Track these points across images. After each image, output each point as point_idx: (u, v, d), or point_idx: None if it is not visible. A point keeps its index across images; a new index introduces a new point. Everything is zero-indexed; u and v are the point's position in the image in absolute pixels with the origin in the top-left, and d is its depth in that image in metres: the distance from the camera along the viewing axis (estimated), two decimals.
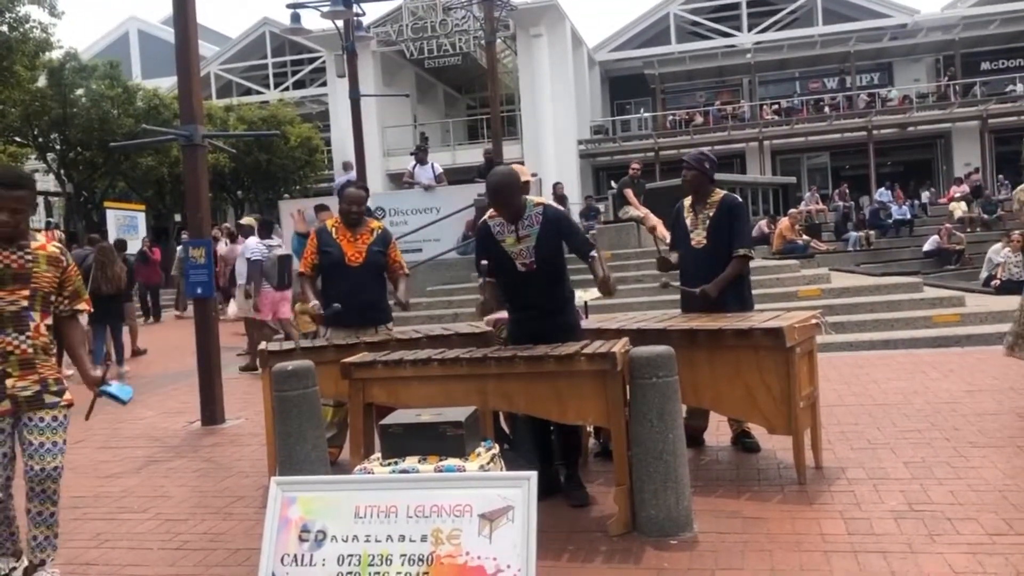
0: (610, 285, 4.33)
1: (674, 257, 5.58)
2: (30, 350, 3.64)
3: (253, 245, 9.99)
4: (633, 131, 32.65)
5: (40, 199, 26.83)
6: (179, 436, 6.92)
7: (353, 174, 15.19)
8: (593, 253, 4.42)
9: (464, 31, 27.88)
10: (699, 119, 31.40)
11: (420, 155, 15.10)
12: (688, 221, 5.39)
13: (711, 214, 5.26)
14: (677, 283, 5.65)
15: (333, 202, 12.90)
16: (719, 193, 5.35)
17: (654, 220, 12.93)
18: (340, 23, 14.49)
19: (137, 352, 12.28)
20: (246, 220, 12.45)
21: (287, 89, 34.04)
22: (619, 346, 3.95)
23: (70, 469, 5.95)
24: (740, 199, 5.43)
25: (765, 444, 5.20)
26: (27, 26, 12.34)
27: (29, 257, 3.65)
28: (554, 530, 3.99)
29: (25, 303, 3.61)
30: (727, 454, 5.29)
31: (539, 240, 4.41)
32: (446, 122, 33.92)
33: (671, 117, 32.21)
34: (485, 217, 4.65)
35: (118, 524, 4.69)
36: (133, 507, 5.00)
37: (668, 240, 12.27)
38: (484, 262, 4.55)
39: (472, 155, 27.98)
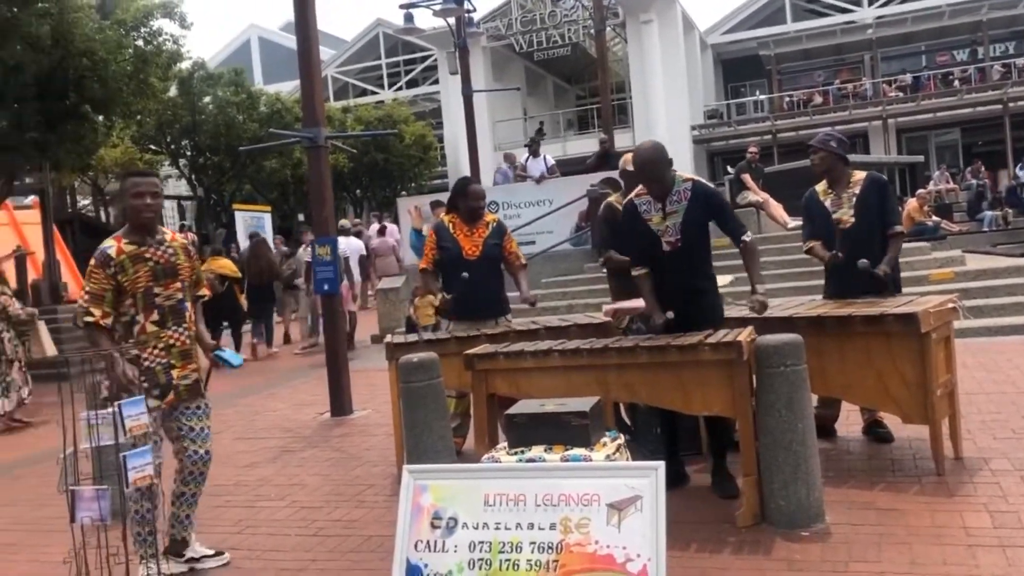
0: (759, 303, 4.19)
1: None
2: (188, 341, 3.90)
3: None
4: (748, 114, 31.81)
5: (173, 203, 28.35)
6: (310, 427, 7.20)
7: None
8: (745, 237, 4.28)
9: (573, 21, 27.80)
10: (818, 99, 30.31)
11: (533, 148, 15.16)
12: (828, 203, 5.11)
13: (856, 192, 5.02)
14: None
15: (448, 197, 13.14)
16: (860, 173, 5.13)
17: (774, 204, 12.61)
18: (452, 20, 14.69)
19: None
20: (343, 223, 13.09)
21: (400, 88, 34.75)
22: (744, 335, 3.88)
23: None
24: (885, 177, 5.21)
25: (899, 434, 5.01)
26: (160, 39, 13.03)
27: (171, 251, 3.90)
28: (680, 520, 3.95)
29: (180, 295, 3.87)
30: (858, 444, 5.12)
31: (686, 216, 4.27)
32: (556, 114, 33.90)
33: (788, 98, 31.23)
34: (632, 195, 4.53)
35: (257, 511, 4.93)
36: (270, 495, 5.24)
37: (790, 225, 11.93)
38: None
39: (582, 146, 27.91)
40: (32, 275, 16.11)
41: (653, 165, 4.26)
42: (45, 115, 11.91)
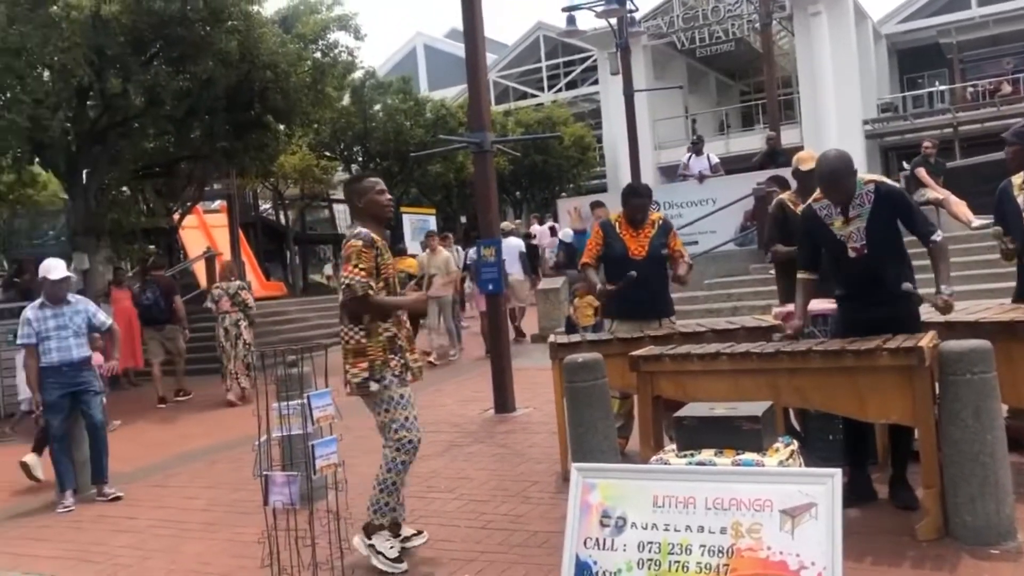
0: (945, 304, 3.99)
1: None
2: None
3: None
4: (926, 107, 29.98)
5: (346, 207, 29.72)
6: (475, 423, 7.42)
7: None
8: (936, 237, 4.06)
9: (737, 16, 27.12)
10: (1006, 88, 28.15)
11: (697, 146, 14.94)
12: (1022, 199, 4.79)
13: None
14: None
15: (607, 198, 13.18)
16: None
17: (956, 202, 11.85)
18: (614, 21, 14.69)
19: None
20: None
21: (560, 90, 34.99)
22: (926, 340, 3.71)
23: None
24: None
25: None
26: (336, 51, 13.75)
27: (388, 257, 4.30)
28: (855, 531, 3.82)
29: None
30: None
31: (871, 221, 4.09)
32: (719, 111, 33.19)
33: (971, 88, 29.20)
34: (811, 200, 4.40)
35: (428, 502, 5.13)
36: (440, 487, 5.45)
37: (974, 224, 11.20)
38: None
39: (747, 143, 27.17)
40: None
41: (838, 175, 4.07)
42: (233, 125, 12.84)
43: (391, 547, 4.06)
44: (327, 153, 24.46)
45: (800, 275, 4.38)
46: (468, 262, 13.83)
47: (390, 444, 4.12)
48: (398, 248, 15.78)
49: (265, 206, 27.08)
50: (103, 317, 6.46)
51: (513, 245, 13.75)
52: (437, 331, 12.15)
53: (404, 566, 4.03)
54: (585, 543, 3.02)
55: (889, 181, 4.29)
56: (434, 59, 39.23)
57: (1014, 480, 3.78)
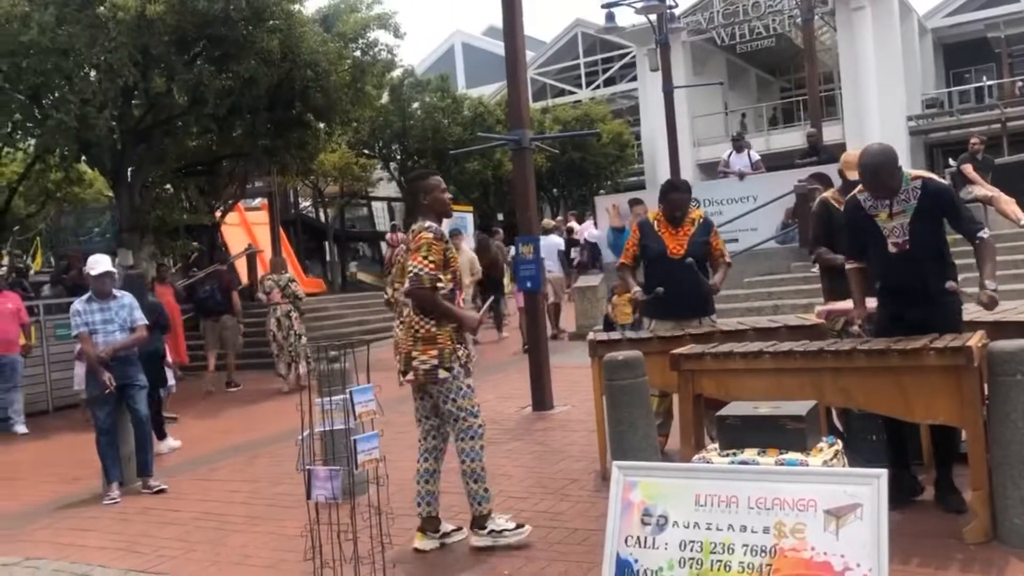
0: (990, 300, 3.91)
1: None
2: None
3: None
4: (973, 102, 29.39)
5: (384, 204, 29.89)
6: (513, 419, 7.42)
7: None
8: (982, 234, 3.99)
9: (778, 11, 26.82)
10: None
11: (738, 143, 14.79)
12: None
13: None
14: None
15: (645, 195, 13.12)
16: None
17: (1005, 199, 11.60)
18: (653, 17, 14.61)
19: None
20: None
21: (598, 87, 34.88)
22: (975, 339, 3.65)
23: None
24: None
25: None
26: (376, 49, 13.85)
27: None
28: (900, 532, 3.76)
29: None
30: None
31: (915, 217, 4.03)
32: (759, 107, 32.84)
33: (1020, 83, 28.56)
34: (855, 191, 4.34)
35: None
36: None
37: (1023, 222, 10.98)
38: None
39: (788, 139, 26.85)
40: (260, 271, 17.58)
41: (882, 169, 4.00)
42: (274, 124, 12.99)
43: (506, 520, 4.30)
44: (366, 151, 24.61)
45: (849, 266, 4.35)
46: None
47: (463, 435, 4.26)
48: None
49: (305, 204, 27.32)
50: (138, 315, 6.51)
51: (553, 243, 13.89)
52: None
53: (527, 527, 4.30)
54: (626, 541, 3.01)
55: (937, 178, 4.22)
56: (472, 57, 39.32)
57: None
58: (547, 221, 14.90)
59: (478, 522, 4.29)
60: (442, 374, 4.19)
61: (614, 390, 4.54)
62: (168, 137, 12.75)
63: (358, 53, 13.69)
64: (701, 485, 2.96)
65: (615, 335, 5.64)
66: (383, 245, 23.48)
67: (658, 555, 2.93)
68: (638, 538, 2.99)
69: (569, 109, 29.33)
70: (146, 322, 6.64)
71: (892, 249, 4.10)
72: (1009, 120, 26.57)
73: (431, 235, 4.22)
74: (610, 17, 14.54)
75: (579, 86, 35.40)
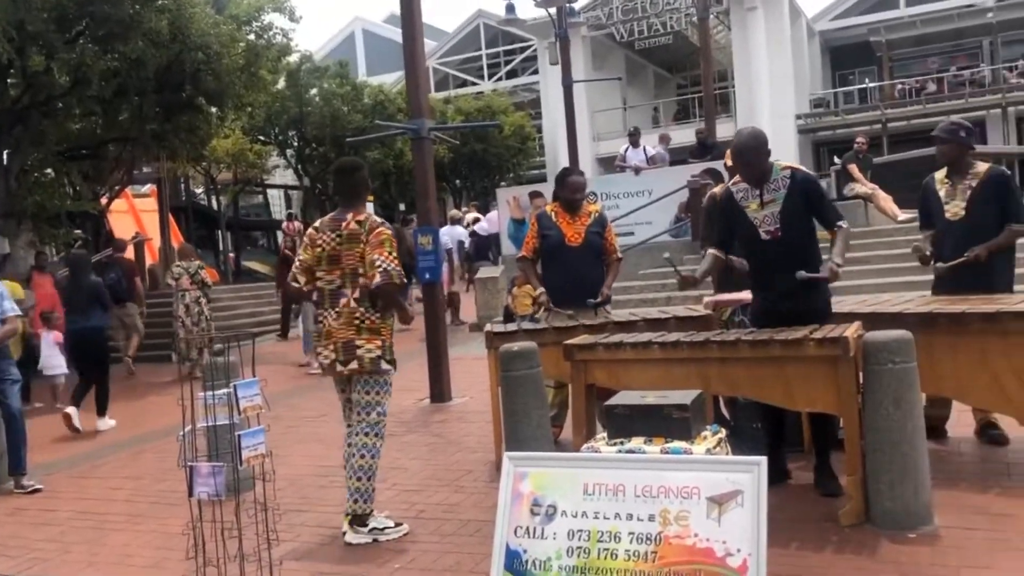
0: (832, 273, 4.08)
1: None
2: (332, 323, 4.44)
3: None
4: (857, 103, 30.72)
5: (280, 192, 29.27)
6: (411, 412, 7.37)
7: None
8: (841, 223, 4.18)
9: (675, 9, 27.38)
10: (932, 86, 29.02)
11: (633, 138, 15.05)
12: (943, 193, 4.97)
13: (973, 185, 4.86)
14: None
15: (546, 188, 13.22)
16: (983, 165, 4.94)
17: (883, 196, 12.18)
18: (553, 10, 14.69)
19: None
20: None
21: (500, 79, 34.93)
22: (851, 330, 3.79)
23: (317, 440, 6.54)
24: (1009, 172, 5.00)
25: (1015, 436, 4.79)
26: (270, 33, 13.50)
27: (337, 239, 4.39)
28: (781, 518, 3.89)
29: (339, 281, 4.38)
30: (971, 446, 4.93)
31: (784, 206, 4.18)
32: (656, 103, 33.50)
33: (900, 86, 30.01)
34: (728, 183, 4.48)
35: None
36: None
37: (900, 218, 11.52)
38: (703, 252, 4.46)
39: (684, 136, 27.46)
40: (149, 260, 16.96)
41: (749, 151, 4.20)
42: (163, 107, 12.52)
43: (385, 518, 4.31)
44: (261, 137, 24.01)
45: (709, 250, 4.51)
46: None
47: (371, 430, 4.28)
48: None
49: (197, 191, 26.47)
50: (7, 305, 6.10)
51: (457, 233, 14.07)
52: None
53: (405, 525, 4.32)
54: (515, 532, 3.02)
55: (804, 169, 4.41)
56: (373, 44, 38.81)
57: (932, 467, 3.89)
58: (455, 212, 15.04)
59: (359, 519, 4.25)
60: (384, 365, 4.27)
61: (509, 381, 4.55)
62: (47, 118, 12.11)
63: (252, 36, 13.32)
64: (589, 474, 2.99)
65: (512, 326, 5.65)
66: (279, 234, 22.97)
67: (546, 545, 2.95)
68: (527, 528, 3.00)
69: (471, 100, 29.27)
70: (17, 312, 6.26)
71: (764, 236, 4.25)
72: (889, 121, 27.90)
73: (390, 231, 4.32)
74: (510, 9, 14.56)
75: (481, 77, 35.39)
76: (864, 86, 31.37)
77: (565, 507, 2.97)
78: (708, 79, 17.78)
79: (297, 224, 19.84)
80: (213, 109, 13.54)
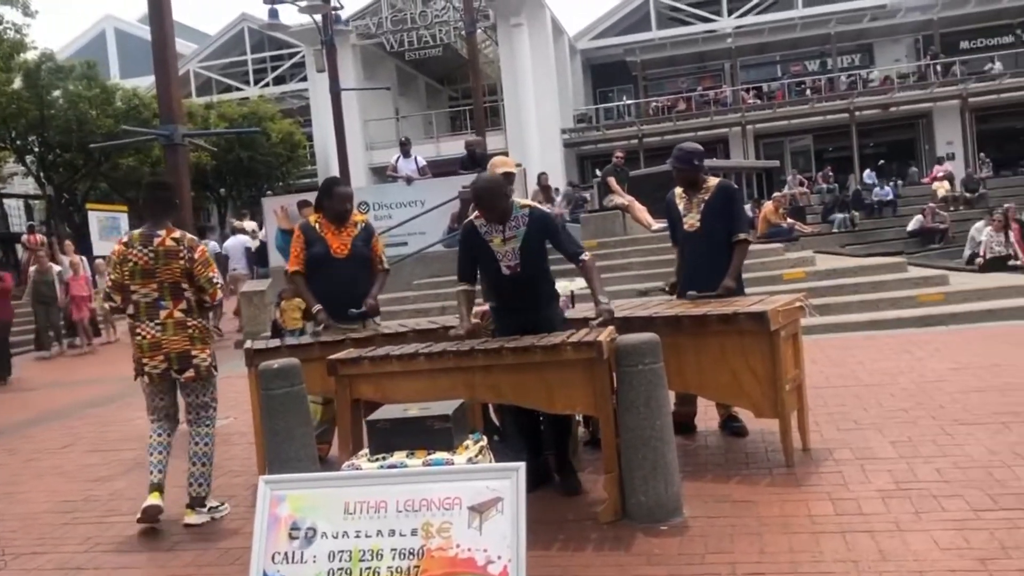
0: (606, 312, 4.27)
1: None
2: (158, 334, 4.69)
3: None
4: (616, 119, 32.64)
5: (20, 202, 26.66)
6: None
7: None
8: (584, 256, 4.40)
9: (444, 22, 27.80)
10: (682, 105, 31.41)
11: (404, 148, 15.03)
12: (681, 206, 5.39)
13: (705, 198, 5.28)
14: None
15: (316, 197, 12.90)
16: (713, 180, 5.39)
17: (639, 207, 12.96)
18: (318, 17, 14.40)
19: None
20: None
21: (267, 85, 33.86)
22: (605, 334, 3.96)
23: (59, 473, 5.97)
24: (735, 185, 5.48)
25: (753, 428, 5.23)
26: (0, 27, 12.25)
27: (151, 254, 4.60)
28: (545, 520, 4.00)
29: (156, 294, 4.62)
30: (715, 439, 5.32)
31: (524, 242, 4.39)
32: (428, 114, 33.81)
33: (654, 104, 32.22)
34: (472, 216, 4.60)
35: (107, 527, 4.68)
36: (123, 510, 4.98)
37: (654, 227, 12.30)
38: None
39: (456, 147, 27.90)
40: None
41: (490, 195, 4.37)
42: None
43: (216, 500, 4.78)
44: None
45: (459, 287, 4.62)
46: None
47: (210, 422, 4.79)
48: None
49: None
50: None
51: (240, 242, 13.72)
52: None
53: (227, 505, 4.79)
54: (273, 558, 2.88)
55: (541, 207, 4.69)
56: (126, 44, 36.36)
57: (681, 461, 4.15)
58: (237, 222, 14.69)
59: (198, 501, 4.64)
60: (214, 371, 4.75)
61: (270, 400, 4.35)
62: None
63: None
64: (350, 493, 2.91)
65: (274, 342, 5.43)
66: (19, 248, 20.88)
67: (306, 569, 2.84)
68: (285, 554, 2.88)
69: (236, 106, 28.12)
70: None
71: (505, 271, 4.44)
72: (645, 136, 29.89)
73: (209, 249, 4.82)
74: (273, 14, 14.11)
75: (247, 83, 34.15)
76: (622, 103, 33.38)
77: (325, 528, 2.87)
78: (478, 92, 18.21)
79: (40, 236, 18.07)
80: None
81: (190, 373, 4.61)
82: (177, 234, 4.65)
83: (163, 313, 4.56)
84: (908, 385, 6.12)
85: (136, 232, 4.72)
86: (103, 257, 15.81)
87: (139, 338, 4.61)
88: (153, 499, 4.59)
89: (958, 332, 8.32)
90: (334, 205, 5.49)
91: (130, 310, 4.64)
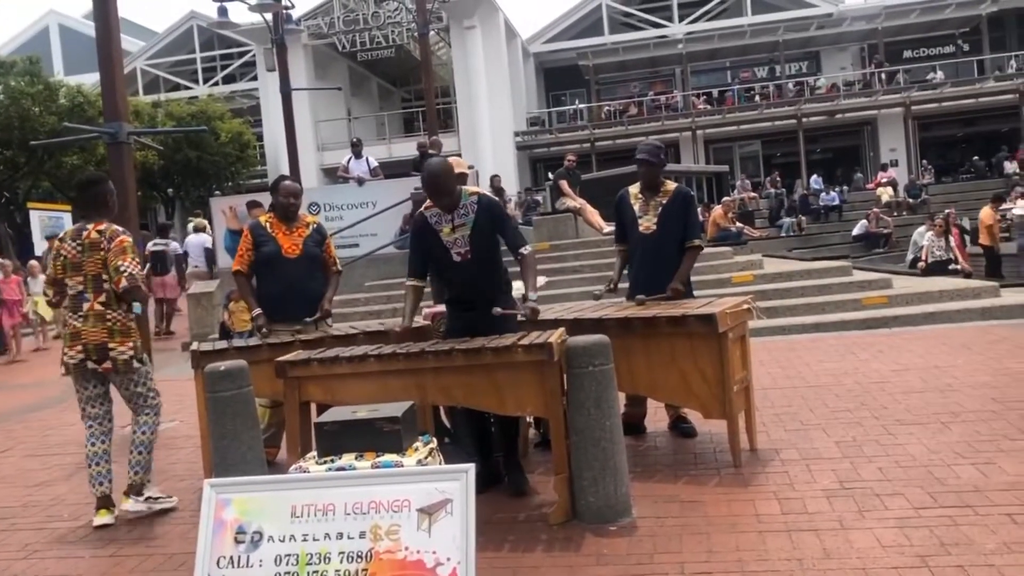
0: (533, 312, 4.30)
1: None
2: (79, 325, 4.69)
3: None
4: (569, 122, 32.80)
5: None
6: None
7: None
8: (524, 250, 4.41)
9: (397, 23, 27.66)
10: (633, 110, 31.66)
11: (356, 149, 14.93)
12: (636, 207, 5.36)
13: (663, 202, 5.28)
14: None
15: (267, 197, 12.76)
16: (671, 184, 5.40)
17: (591, 210, 13.02)
18: (269, 16, 14.24)
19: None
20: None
21: (216, 84, 33.38)
22: (555, 336, 3.97)
23: None
24: (692, 192, 5.52)
25: (701, 429, 5.29)
26: None
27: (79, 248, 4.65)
28: (496, 521, 4.00)
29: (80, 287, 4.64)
30: (665, 440, 5.36)
31: (474, 229, 4.39)
32: (381, 115, 33.61)
33: (606, 108, 32.44)
34: (422, 208, 4.59)
35: (47, 533, 4.57)
36: (63, 515, 4.87)
37: (605, 230, 12.37)
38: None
39: (408, 148, 27.78)
40: None
41: (439, 179, 4.36)
42: None
43: (157, 490, 4.82)
44: None
45: (408, 282, 4.61)
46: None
47: (151, 410, 4.82)
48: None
49: None
50: None
51: (200, 241, 14.14)
52: None
53: (175, 498, 4.83)
54: (218, 563, 2.84)
55: (489, 194, 4.68)
56: (71, 41, 35.57)
57: (630, 461, 4.18)
58: (198, 220, 14.70)
59: (136, 489, 4.68)
60: (135, 364, 4.66)
61: (216, 402, 4.27)
62: None
63: None
64: (297, 496, 2.88)
65: (221, 344, 5.35)
66: None
67: (252, 574, 2.80)
68: (231, 558, 2.83)
69: (184, 105, 27.66)
70: None
71: (456, 259, 4.44)
72: (597, 140, 30.07)
73: (130, 239, 4.69)
74: (223, 12, 13.91)
75: (196, 81, 33.64)
76: (575, 107, 33.55)
77: (272, 532, 2.83)
78: (431, 94, 18.12)
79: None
80: None
81: (107, 364, 4.59)
82: (103, 226, 4.66)
83: (86, 306, 4.59)
84: (852, 386, 6.24)
85: (71, 228, 4.80)
86: (38, 258, 15.44)
87: (65, 330, 4.69)
88: (102, 518, 4.56)
89: (900, 334, 8.51)
90: (279, 199, 5.44)
91: (65, 303, 4.69)
